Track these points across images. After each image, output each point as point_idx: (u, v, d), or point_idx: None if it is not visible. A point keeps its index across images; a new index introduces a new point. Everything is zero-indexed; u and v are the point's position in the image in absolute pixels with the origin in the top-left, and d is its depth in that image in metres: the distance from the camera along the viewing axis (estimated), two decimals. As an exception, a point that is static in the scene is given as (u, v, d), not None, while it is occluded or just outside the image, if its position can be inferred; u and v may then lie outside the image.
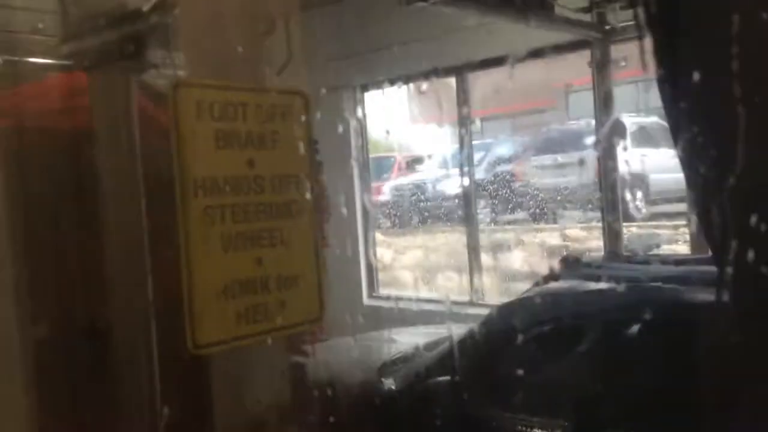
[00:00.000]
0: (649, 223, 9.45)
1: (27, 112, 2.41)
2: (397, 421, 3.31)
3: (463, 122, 7.03)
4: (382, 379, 3.49)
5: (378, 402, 3.37)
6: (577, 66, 6.31)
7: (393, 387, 3.40)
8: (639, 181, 9.75)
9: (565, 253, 6.45)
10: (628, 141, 10.10)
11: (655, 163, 9.68)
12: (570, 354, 2.95)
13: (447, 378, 3.19)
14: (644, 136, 10.48)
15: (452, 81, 7.04)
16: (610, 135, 5.79)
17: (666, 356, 2.61)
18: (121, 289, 2.33)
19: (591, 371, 2.86)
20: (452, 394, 3.13)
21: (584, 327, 3.00)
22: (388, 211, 11.26)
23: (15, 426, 1.86)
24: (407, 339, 4.21)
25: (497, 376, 3.13)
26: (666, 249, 8.21)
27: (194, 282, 1.72)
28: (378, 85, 7.50)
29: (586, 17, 5.28)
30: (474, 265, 7.15)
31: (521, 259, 9.19)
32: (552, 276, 3.54)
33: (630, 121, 10.45)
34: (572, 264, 3.60)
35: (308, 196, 1.99)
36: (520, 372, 2.96)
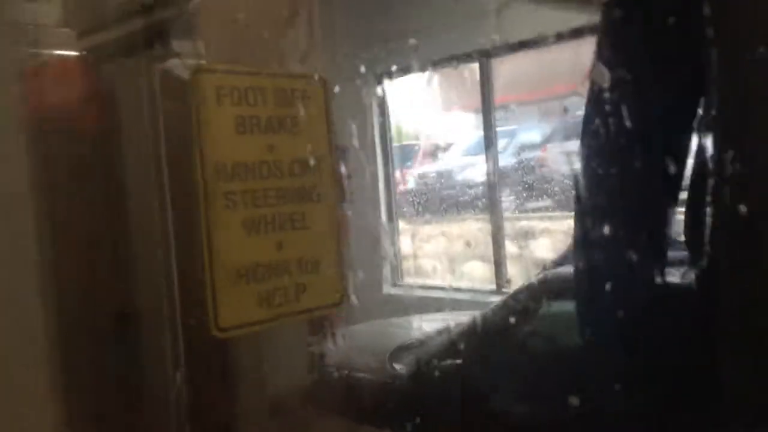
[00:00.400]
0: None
1: (48, 99, 2.45)
2: (406, 406, 3.35)
3: (487, 108, 6.99)
4: (393, 365, 3.55)
5: (388, 387, 3.43)
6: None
7: (402, 372, 3.45)
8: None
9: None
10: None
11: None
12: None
13: (451, 362, 3.24)
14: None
15: (476, 66, 6.99)
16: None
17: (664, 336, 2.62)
18: (147, 275, 2.37)
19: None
20: (456, 379, 3.18)
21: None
22: (411, 199, 11.25)
23: (42, 411, 1.91)
24: (430, 326, 4.25)
25: (499, 363, 3.16)
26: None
27: (216, 267, 1.74)
28: (400, 72, 7.48)
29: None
30: (499, 253, 7.12)
31: (547, 247, 9.13)
32: (558, 261, 3.53)
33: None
34: None
35: (329, 181, 2.00)
36: (524, 358, 3.00)
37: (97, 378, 2.19)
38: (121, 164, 2.39)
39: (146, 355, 2.26)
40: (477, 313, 3.42)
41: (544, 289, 3.25)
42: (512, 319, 3.21)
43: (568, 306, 3.23)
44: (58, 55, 2.92)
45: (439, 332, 3.69)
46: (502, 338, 3.22)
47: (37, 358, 1.65)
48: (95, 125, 2.52)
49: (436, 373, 3.24)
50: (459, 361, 3.19)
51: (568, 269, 3.46)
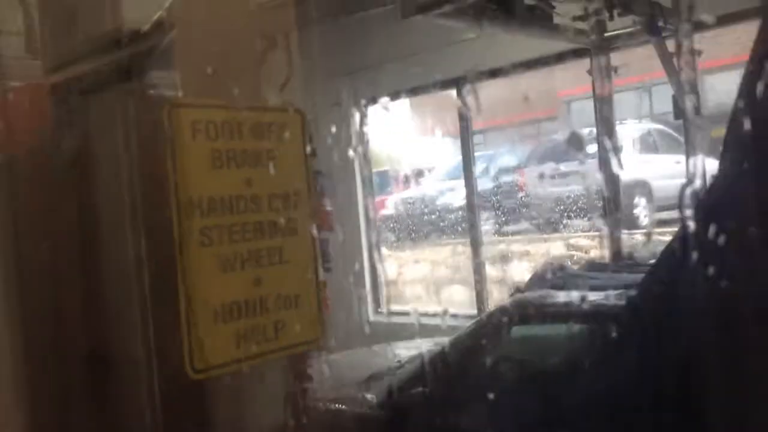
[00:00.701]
0: (653, 230, 9.40)
1: (17, 133, 2.40)
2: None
3: (465, 134, 7.02)
4: (365, 394, 3.54)
5: (361, 416, 3.41)
6: (577, 74, 6.31)
7: (374, 400, 3.44)
8: (642, 188, 9.71)
9: (544, 262, 6.44)
10: (632, 148, 10.08)
11: (658, 170, 9.64)
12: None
13: (420, 390, 3.25)
14: (646, 143, 10.46)
15: (453, 93, 7.04)
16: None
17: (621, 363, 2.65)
18: (120, 315, 2.31)
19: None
20: (425, 407, 3.19)
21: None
22: (392, 225, 11.23)
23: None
24: (408, 352, 4.24)
25: (467, 389, 3.18)
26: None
27: (192, 305, 1.70)
28: (379, 99, 7.51)
29: (584, 25, 5.27)
30: (480, 277, 7.11)
31: (527, 270, 9.14)
32: (522, 287, 3.59)
33: (632, 127, 10.43)
34: (544, 274, 3.64)
35: (307, 213, 1.97)
36: (488, 386, 3.02)
37: (67, 424, 2.11)
38: (93, 199, 2.34)
39: (120, 399, 2.19)
40: (447, 339, 3.43)
41: (512, 313, 3.28)
42: (481, 343, 3.24)
43: (536, 330, 3.26)
44: (27, 86, 2.88)
45: (412, 359, 3.69)
46: (472, 363, 3.24)
47: (4, 405, 1.58)
48: (66, 158, 2.47)
49: (406, 400, 3.24)
50: (426, 389, 3.20)
51: (536, 294, 3.51)
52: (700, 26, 5.08)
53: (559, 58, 5.98)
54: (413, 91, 7.35)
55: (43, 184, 2.38)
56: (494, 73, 6.52)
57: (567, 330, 3.13)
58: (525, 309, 3.36)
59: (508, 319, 3.30)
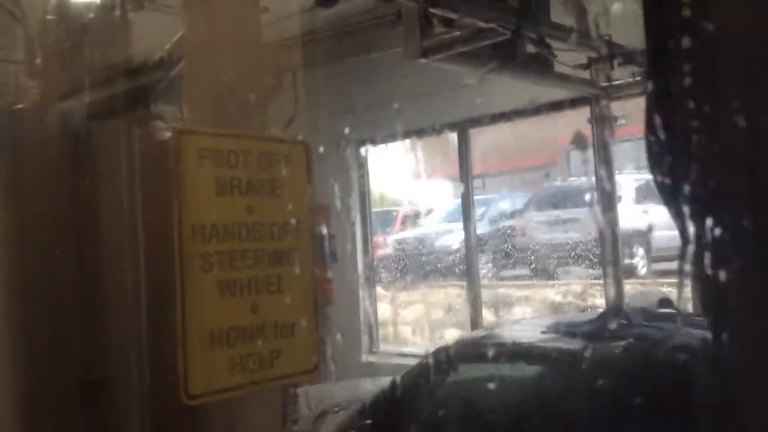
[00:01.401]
0: (651, 280, 9.39)
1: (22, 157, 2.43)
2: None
3: (465, 177, 7.08)
4: (318, 428, 3.56)
5: None
6: (577, 123, 6.40)
7: None
8: (641, 237, 9.74)
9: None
10: (630, 198, 10.15)
11: (657, 220, 9.69)
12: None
13: (366, 423, 3.29)
14: (645, 193, 10.53)
15: (454, 136, 7.12)
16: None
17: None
18: (117, 340, 2.30)
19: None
20: None
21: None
22: (389, 265, 11.22)
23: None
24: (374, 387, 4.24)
25: (409, 423, 3.21)
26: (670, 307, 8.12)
27: (188, 329, 1.69)
28: (380, 140, 7.59)
29: (585, 74, 5.37)
30: (476, 321, 7.07)
31: (523, 315, 9.10)
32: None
33: (630, 177, 10.52)
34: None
35: (308, 243, 1.99)
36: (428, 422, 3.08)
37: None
38: (95, 224, 2.35)
39: (114, 423, 2.17)
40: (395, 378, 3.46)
41: (460, 352, 3.33)
42: (424, 380, 3.29)
43: (483, 370, 3.30)
44: (33, 109, 2.93)
45: (371, 395, 3.70)
46: (414, 399, 3.27)
47: (1, 425, 1.57)
48: (70, 184, 2.49)
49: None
50: (372, 422, 3.24)
51: (480, 334, 3.57)
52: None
53: (560, 105, 6.07)
54: (414, 133, 7.43)
55: (47, 211, 2.39)
56: (495, 119, 6.61)
57: (511, 370, 3.19)
58: (467, 349, 3.43)
59: (449, 358, 3.37)
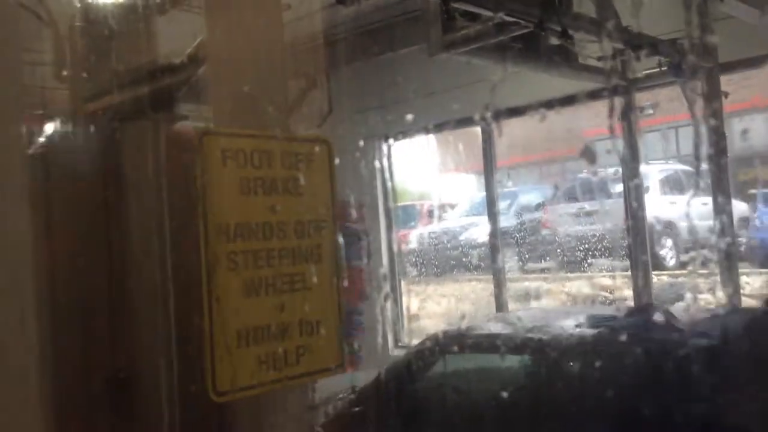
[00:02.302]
0: (679, 271, 9.27)
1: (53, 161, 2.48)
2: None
3: (489, 170, 7.05)
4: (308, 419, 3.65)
5: None
6: (603, 114, 6.33)
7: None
8: (668, 228, 9.61)
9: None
10: (657, 189, 10.01)
11: (684, 211, 9.54)
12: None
13: (355, 411, 3.37)
14: (672, 184, 10.38)
15: (478, 130, 7.09)
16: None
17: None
18: (145, 339, 2.34)
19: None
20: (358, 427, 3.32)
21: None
22: (414, 260, 11.22)
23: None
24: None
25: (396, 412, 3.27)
26: (697, 299, 8.02)
27: (216, 328, 1.72)
28: (405, 134, 7.58)
29: (609, 65, 5.30)
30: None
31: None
32: None
33: (657, 168, 10.37)
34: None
35: (331, 240, 2.00)
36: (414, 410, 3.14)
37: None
38: (122, 225, 2.39)
39: (142, 420, 2.21)
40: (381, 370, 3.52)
41: (443, 343, 3.36)
42: (411, 370, 3.35)
43: (473, 361, 3.31)
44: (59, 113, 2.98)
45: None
46: (401, 388, 3.31)
47: (30, 425, 1.61)
48: (98, 186, 2.54)
49: (342, 421, 3.32)
50: (361, 409, 3.31)
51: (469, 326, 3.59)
52: (725, 68, 5.09)
53: (585, 97, 6.01)
54: (439, 128, 7.41)
55: (76, 211, 2.44)
56: (519, 111, 6.57)
57: (500, 362, 3.21)
58: (454, 340, 3.44)
59: (438, 348, 3.40)
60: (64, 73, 3.28)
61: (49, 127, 2.83)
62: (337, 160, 2.09)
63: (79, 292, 2.33)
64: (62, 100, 3.27)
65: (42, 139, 2.67)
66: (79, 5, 3.42)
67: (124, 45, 3.15)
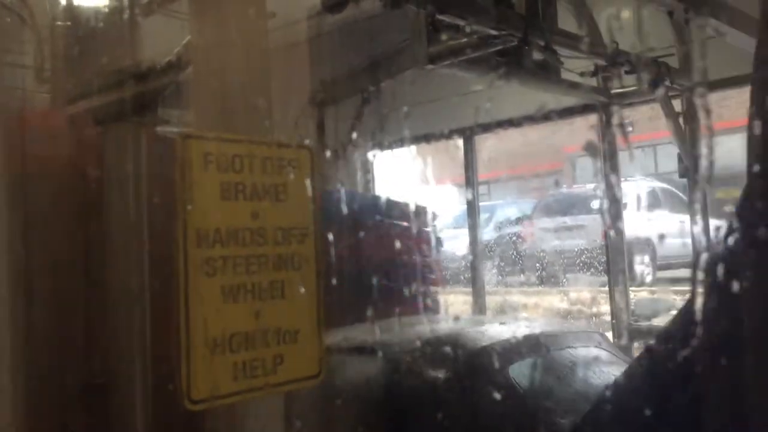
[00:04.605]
0: (656, 288, 9.36)
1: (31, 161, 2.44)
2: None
3: (470, 183, 7.07)
4: None
5: None
6: (584, 130, 6.39)
7: None
8: (646, 245, 9.71)
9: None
10: (634, 205, 10.12)
11: (662, 228, 9.66)
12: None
13: None
14: (650, 201, 10.51)
15: (460, 142, 7.12)
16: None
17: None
18: (121, 344, 2.30)
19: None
20: None
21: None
22: (394, 271, 11.17)
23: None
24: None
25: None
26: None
27: (191, 335, 1.69)
28: (387, 145, 7.58)
29: (593, 81, 5.36)
30: (480, 327, 7.05)
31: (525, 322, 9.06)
32: None
33: (635, 185, 10.49)
34: None
35: (312, 248, 1.98)
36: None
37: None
38: (101, 228, 2.36)
39: (117, 428, 2.17)
40: None
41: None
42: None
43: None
44: (41, 115, 2.94)
45: None
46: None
47: (4, 431, 1.57)
48: (77, 188, 2.50)
49: None
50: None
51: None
52: (705, 87, 5.17)
53: (567, 113, 6.06)
54: (421, 139, 7.43)
55: (53, 214, 2.40)
56: (501, 125, 6.60)
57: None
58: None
59: None
60: (46, 74, 3.24)
61: (29, 129, 2.79)
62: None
63: (55, 296, 2.29)
64: (43, 101, 3.23)
65: (21, 141, 2.63)
66: (61, 7, 3.39)
67: (107, 48, 3.12)
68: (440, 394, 3.01)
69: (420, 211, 5.68)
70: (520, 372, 3.23)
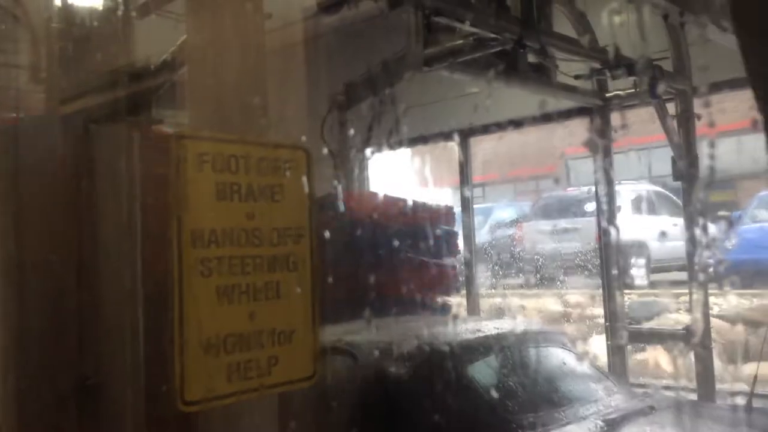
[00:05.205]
0: (650, 290, 9.38)
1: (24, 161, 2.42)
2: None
3: (464, 185, 7.07)
4: None
5: None
6: (578, 133, 6.40)
7: None
8: (639, 248, 9.73)
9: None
10: (628, 208, 10.15)
11: (656, 231, 9.68)
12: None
13: None
14: (644, 204, 10.54)
15: (455, 145, 7.12)
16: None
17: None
18: (114, 345, 2.28)
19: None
20: None
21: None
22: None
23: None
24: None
25: None
26: (668, 318, 8.12)
27: (186, 336, 1.68)
28: (382, 147, 7.57)
29: (587, 85, 5.37)
30: (474, 330, 7.04)
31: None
32: None
33: (629, 188, 10.52)
34: None
35: (308, 249, 1.98)
36: None
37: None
38: (94, 228, 2.34)
39: (109, 429, 2.15)
40: None
41: None
42: None
43: None
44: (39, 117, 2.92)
45: None
46: None
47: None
48: (69, 189, 2.48)
49: None
50: None
51: None
52: (700, 91, 5.18)
53: (562, 115, 6.07)
54: (416, 141, 7.43)
55: (46, 212, 2.38)
56: (496, 128, 6.61)
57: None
58: None
59: None
60: (41, 74, 3.23)
61: (23, 128, 2.77)
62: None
63: (47, 295, 2.28)
64: (37, 101, 3.21)
65: (14, 140, 2.61)
66: (56, 7, 3.38)
67: (101, 48, 3.11)
68: (401, 392, 3.06)
69: (447, 212, 5.75)
70: (479, 371, 3.31)
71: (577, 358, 3.86)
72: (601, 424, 3.04)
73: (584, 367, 3.79)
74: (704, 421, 3.48)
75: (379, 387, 3.09)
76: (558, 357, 3.71)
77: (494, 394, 3.21)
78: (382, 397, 3.04)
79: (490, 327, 3.84)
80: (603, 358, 5.93)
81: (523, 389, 3.32)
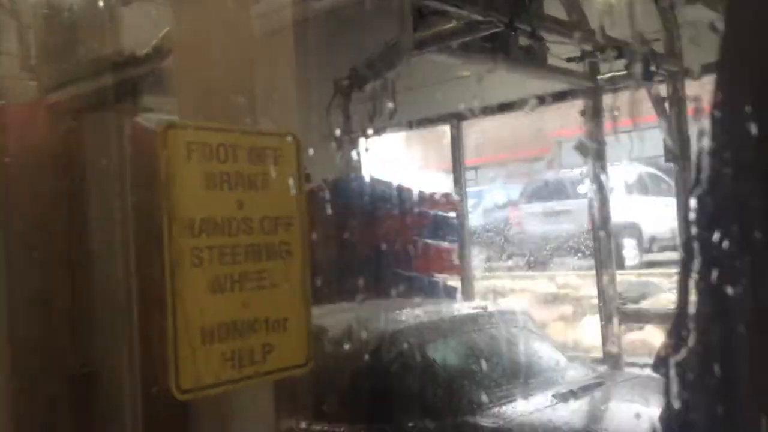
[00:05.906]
0: (643, 271, 9.42)
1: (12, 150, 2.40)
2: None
3: (457, 169, 7.07)
4: None
5: None
6: (570, 115, 6.39)
7: None
8: (632, 229, 9.77)
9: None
10: (621, 190, 10.17)
11: (648, 212, 9.73)
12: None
13: None
14: (637, 185, 10.57)
15: (446, 128, 7.10)
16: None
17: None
18: (108, 334, 2.29)
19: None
20: None
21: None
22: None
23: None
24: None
25: None
26: (662, 298, 8.18)
27: (179, 325, 1.68)
28: (375, 131, 7.54)
29: (579, 67, 5.36)
30: (468, 313, 7.07)
31: (516, 306, 9.12)
32: None
33: (621, 170, 10.53)
34: None
35: (300, 237, 1.97)
36: None
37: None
38: (85, 218, 2.33)
39: (104, 418, 2.16)
40: None
41: None
42: None
43: None
44: (21, 105, 2.90)
45: None
46: None
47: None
48: (58, 178, 2.47)
49: None
50: None
51: None
52: (691, 73, 5.19)
53: (553, 98, 6.06)
54: (408, 125, 7.41)
55: (35, 202, 2.37)
56: (487, 111, 6.60)
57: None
58: None
59: None
60: (30, 62, 3.20)
61: (9, 116, 2.75)
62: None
63: (40, 285, 2.27)
64: (24, 89, 3.18)
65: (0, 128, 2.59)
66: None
67: (89, 36, 3.08)
68: (361, 373, 3.22)
69: (447, 199, 5.92)
70: (437, 350, 3.46)
71: (538, 338, 4.05)
72: (551, 397, 3.29)
73: (544, 346, 3.99)
74: (650, 392, 3.58)
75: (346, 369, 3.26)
76: (518, 337, 3.87)
77: (452, 372, 3.39)
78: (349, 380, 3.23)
79: (452, 310, 4.06)
80: (597, 339, 5.98)
81: (479, 368, 3.48)
